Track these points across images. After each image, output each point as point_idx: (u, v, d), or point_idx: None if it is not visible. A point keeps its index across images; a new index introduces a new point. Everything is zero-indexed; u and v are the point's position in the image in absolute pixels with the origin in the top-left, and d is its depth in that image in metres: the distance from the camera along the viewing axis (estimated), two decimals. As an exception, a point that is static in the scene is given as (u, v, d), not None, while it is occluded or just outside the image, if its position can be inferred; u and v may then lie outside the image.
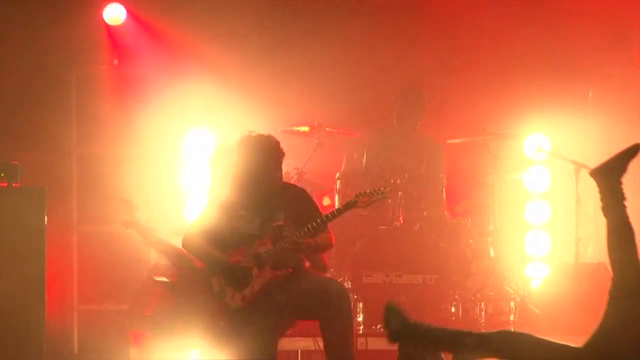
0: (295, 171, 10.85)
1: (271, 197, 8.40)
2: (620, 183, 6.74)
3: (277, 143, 8.48)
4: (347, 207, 8.50)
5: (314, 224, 8.29)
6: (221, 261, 8.34)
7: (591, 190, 9.98)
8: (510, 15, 11.73)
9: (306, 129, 11.13)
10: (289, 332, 9.93)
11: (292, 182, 10.52)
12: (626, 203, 6.66)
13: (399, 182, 10.78)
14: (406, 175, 10.84)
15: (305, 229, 8.28)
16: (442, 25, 11.76)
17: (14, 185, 9.86)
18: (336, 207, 10.51)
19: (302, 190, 8.67)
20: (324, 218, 8.35)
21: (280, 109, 11.38)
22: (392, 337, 6.64)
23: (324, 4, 11.89)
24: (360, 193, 8.55)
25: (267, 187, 8.42)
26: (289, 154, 9.28)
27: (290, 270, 8.35)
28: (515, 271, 11.17)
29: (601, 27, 11.58)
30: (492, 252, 11.04)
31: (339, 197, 10.92)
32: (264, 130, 8.58)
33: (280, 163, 8.50)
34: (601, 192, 6.79)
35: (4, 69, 11.38)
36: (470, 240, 10.98)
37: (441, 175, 11.08)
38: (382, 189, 8.59)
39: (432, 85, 11.72)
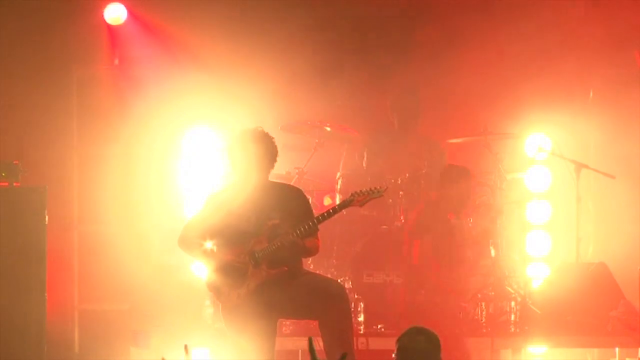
0: (296, 171, 10.86)
1: (267, 195, 8.40)
2: None
3: (271, 138, 8.48)
4: (343, 205, 8.47)
5: (310, 223, 8.28)
6: (217, 259, 8.34)
7: (592, 190, 10.05)
8: (511, 16, 11.74)
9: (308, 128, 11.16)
10: (289, 331, 10.15)
11: (293, 181, 10.58)
12: None
13: (399, 181, 10.82)
14: (407, 175, 10.88)
15: (302, 228, 8.26)
16: (443, 26, 11.80)
17: (14, 184, 9.96)
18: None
19: (299, 191, 8.64)
20: (322, 215, 8.34)
21: (281, 109, 11.40)
22: None
23: (325, 4, 11.90)
24: (356, 192, 8.51)
25: (261, 179, 8.43)
26: (289, 153, 9.26)
27: (286, 269, 8.33)
28: (516, 271, 11.17)
29: (601, 27, 11.60)
30: (492, 252, 10.99)
31: (339, 196, 10.99)
32: (265, 129, 8.58)
33: (274, 158, 8.49)
34: None
35: (4, 68, 11.37)
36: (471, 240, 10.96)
37: (442, 175, 11.08)
38: (377, 187, 8.54)
39: (433, 85, 11.73)
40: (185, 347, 6.49)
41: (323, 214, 8.34)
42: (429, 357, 6.29)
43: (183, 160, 11.56)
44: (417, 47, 11.92)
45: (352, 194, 8.50)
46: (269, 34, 11.71)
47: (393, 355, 6.33)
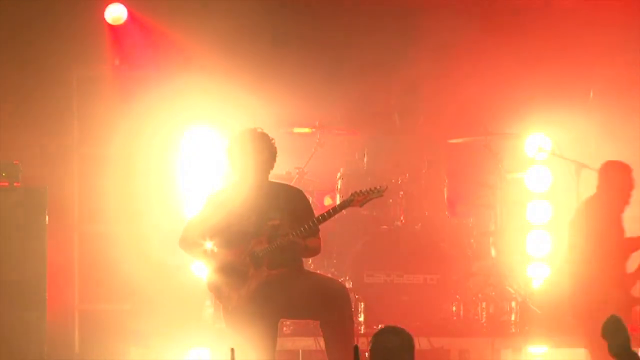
0: (297, 171, 10.92)
1: (268, 196, 8.40)
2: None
3: (270, 138, 8.48)
4: (343, 205, 8.46)
5: (310, 223, 8.28)
6: (217, 260, 8.34)
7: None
8: (512, 16, 11.75)
9: (307, 130, 11.18)
10: (289, 331, 10.17)
11: (293, 181, 10.63)
12: None
13: (400, 181, 10.84)
14: (407, 175, 10.89)
15: (302, 229, 8.26)
16: (443, 26, 11.76)
17: (15, 184, 9.94)
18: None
19: (299, 191, 8.65)
20: (322, 216, 8.34)
21: (281, 109, 11.38)
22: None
23: (325, 5, 11.89)
24: (355, 192, 8.50)
25: (262, 179, 8.43)
26: (290, 153, 9.23)
27: (287, 270, 8.33)
28: (516, 271, 11.19)
29: (603, 27, 11.60)
30: (493, 252, 11.10)
31: (340, 197, 10.98)
32: (265, 130, 8.58)
33: (274, 158, 8.49)
34: None
35: (5, 68, 11.36)
36: (472, 240, 11.03)
37: (442, 175, 11.11)
38: (377, 187, 8.53)
39: (433, 85, 11.72)
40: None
41: (323, 214, 8.34)
42: (400, 357, 6.29)
43: (183, 160, 11.55)
44: (418, 48, 11.88)
45: (352, 194, 8.49)
46: (268, 34, 11.75)
47: (366, 355, 6.34)
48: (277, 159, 8.51)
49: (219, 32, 11.60)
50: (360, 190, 8.49)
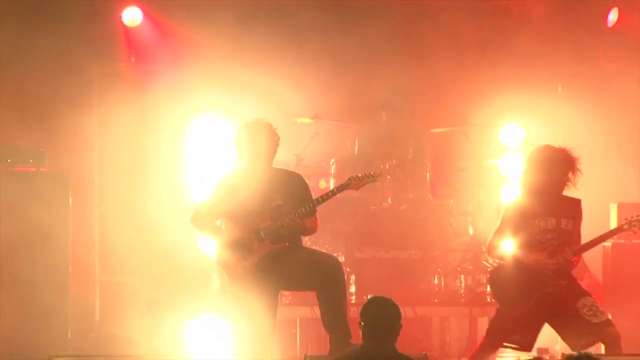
0: (295, 157, 11.24)
1: (271, 180, 8.65)
2: None
3: (274, 128, 8.75)
4: (340, 188, 8.71)
5: (310, 204, 8.53)
6: (226, 236, 8.65)
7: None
8: (491, 18, 12.11)
9: (304, 120, 11.47)
10: (288, 301, 10.51)
11: (292, 167, 10.88)
12: None
13: (387, 167, 11.14)
14: (394, 161, 11.19)
15: (303, 209, 8.52)
16: (428, 26, 12.05)
17: (41, 170, 10.39)
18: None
19: (299, 176, 8.89)
20: (321, 197, 8.58)
21: (282, 101, 11.59)
22: None
23: (323, 4, 12.12)
24: (352, 176, 8.74)
25: (266, 165, 8.69)
26: (289, 142, 9.58)
27: (287, 245, 8.63)
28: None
29: (569, 28, 11.94)
30: (471, 230, 11.41)
31: (334, 180, 11.23)
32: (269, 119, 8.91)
33: (277, 146, 8.72)
34: None
35: (33, 66, 11.61)
36: (452, 220, 11.34)
37: (425, 161, 11.38)
38: (371, 173, 8.79)
39: (421, 79, 12.03)
40: None
41: (322, 196, 8.60)
42: (398, 326, 6.67)
43: (192, 147, 11.79)
44: (407, 48, 12.14)
45: (349, 179, 8.75)
46: (272, 32, 11.95)
47: (362, 324, 6.66)
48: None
49: (223, 30, 11.85)
50: (357, 175, 8.76)
